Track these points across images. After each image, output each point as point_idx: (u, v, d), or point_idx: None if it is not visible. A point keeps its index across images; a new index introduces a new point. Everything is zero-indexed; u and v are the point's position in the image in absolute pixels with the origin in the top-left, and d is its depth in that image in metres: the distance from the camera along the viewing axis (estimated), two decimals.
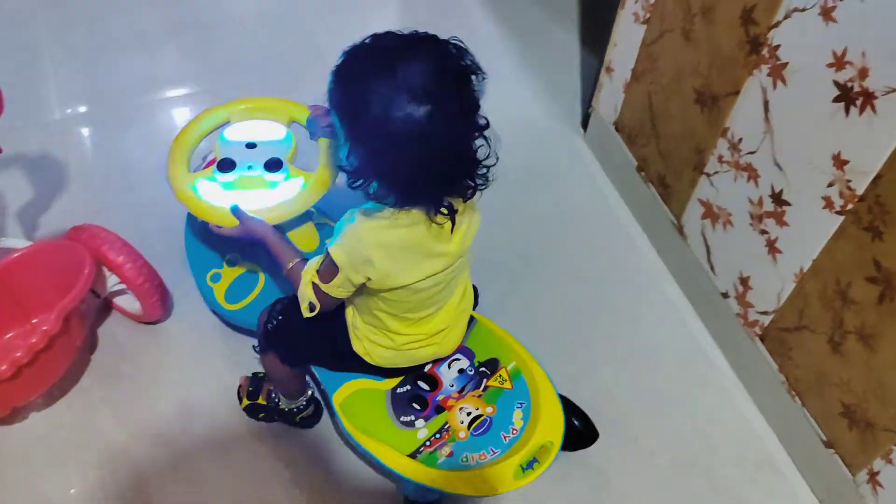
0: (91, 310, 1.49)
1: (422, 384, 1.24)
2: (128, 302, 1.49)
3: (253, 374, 1.42)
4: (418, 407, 1.22)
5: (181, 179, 1.24)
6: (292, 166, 1.27)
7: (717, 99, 1.41)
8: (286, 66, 2.06)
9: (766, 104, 1.29)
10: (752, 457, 1.45)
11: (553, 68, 2.12)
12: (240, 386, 1.43)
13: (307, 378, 1.38)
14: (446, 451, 1.18)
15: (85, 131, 1.90)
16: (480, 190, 1.03)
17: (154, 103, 1.98)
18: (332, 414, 1.35)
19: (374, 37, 0.94)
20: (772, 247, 1.36)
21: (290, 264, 1.14)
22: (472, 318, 1.29)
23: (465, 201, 1.03)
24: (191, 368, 1.49)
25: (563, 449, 1.32)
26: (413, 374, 1.24)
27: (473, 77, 0.95)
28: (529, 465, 1.16)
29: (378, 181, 0.97)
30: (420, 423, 1.21)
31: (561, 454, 1.20)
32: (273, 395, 1.37)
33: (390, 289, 1.06)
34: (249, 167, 1.26)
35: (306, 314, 1.11)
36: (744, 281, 1.46)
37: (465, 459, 1.17)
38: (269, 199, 1.23)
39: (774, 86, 1.26)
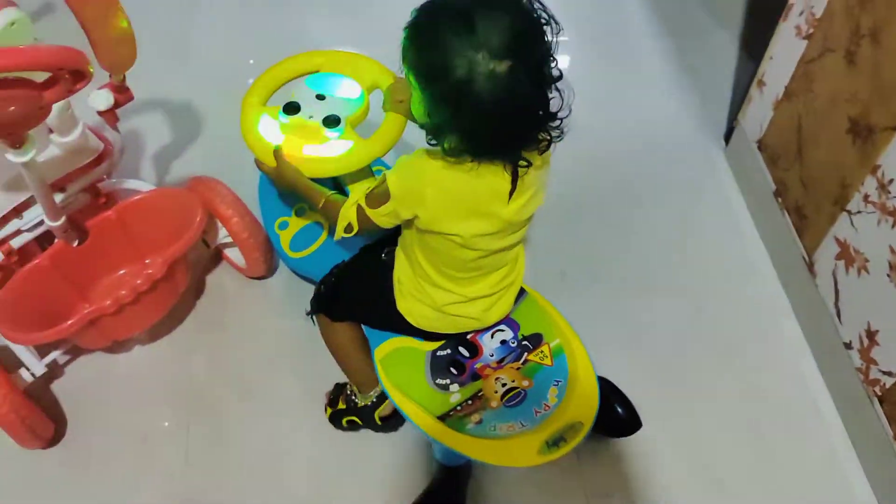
0: (200, 258, 1.56)
1: (462, 350, 1.23)
2: (236, 255, 1.54)
3: (335, 384, 1.44)
4: (455, 371, 1.21)
5: (249, 108, 1.27)
6: (349, 128, 1.25)
7: (872, 132, 1.27)
8: None
9: None
10: None
11: (706, 73, 1.99)
12: (328, 393, 1.44)
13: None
14: (476, 417, 1.17)
15: (225, 84, 1.96)
16: (555, 142, 1.00)
17: None
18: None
19: None
20: None
21: (322, 199, 1.17)
22: (522, 291, 1.27)
23: (540, 154, 1.02)
24: (285, 327, 1.52)
25: (607, 434, 1.32)
26: (455, 339, 1.23)
27: (548, 29, 0.92)
28: (556, 442, 1.13)
29: (458, 136, 0.96)
30: (454, 387, 1.20)
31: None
32: (350, 395, 1.37)
33: (436, 233, 1.05)
34: (311, 116, 1.26)
35: (339, 235, 1.13)
36: (871, 334, 1.32)
37: (492, 428, 1.15)
38: (313, 151, 1.23)
39: None
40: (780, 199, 1.59)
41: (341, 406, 1.39)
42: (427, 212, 1.03)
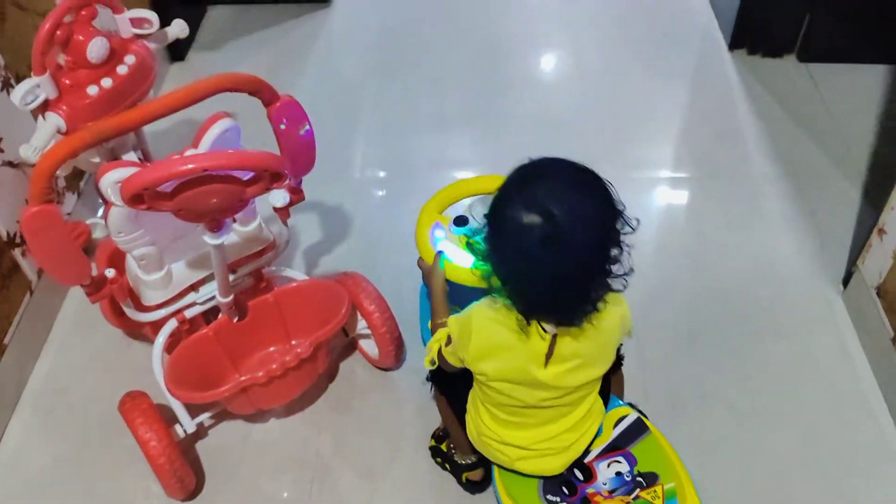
0: (338, 345, 1.72)
1: (577, 473, 1.28)
2: (370, 346, 1.69)
3: None
4: (567, 492, 1.26)
5: (426, 213, 1.42)
6: None
7: None
8: None
9: None
10: None
11: (825, 218, 2.05)
12: (436, 429, 1.57)
13: None
14: None
15: (377, 193, 2.19)
16: (587, 314, 1.06)
17: (439, 179, 2.21)
18: (491, 472, 1.42)
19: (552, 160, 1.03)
20: None
21: (438, 320, 1.26)
22: (645, 427, 1.31)
23: (569, 325, 1.08)
24: (407, 417, 1.64)
25: None
26: (573, 462, 1.28)
27: (614, 222, 1.00)
28: None
29: (509, 290, 1.06)
30: None
31: None
32: (452, 447, 1.49)
33: (479, 372, 1.15)
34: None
35: (427, 366, 1.25)
36: None
37: None
38: (464, 262, 1.33)
39: None
40: None
41: (443, 448, 1.52)
42: (468, 355, 1.14)
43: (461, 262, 1.32)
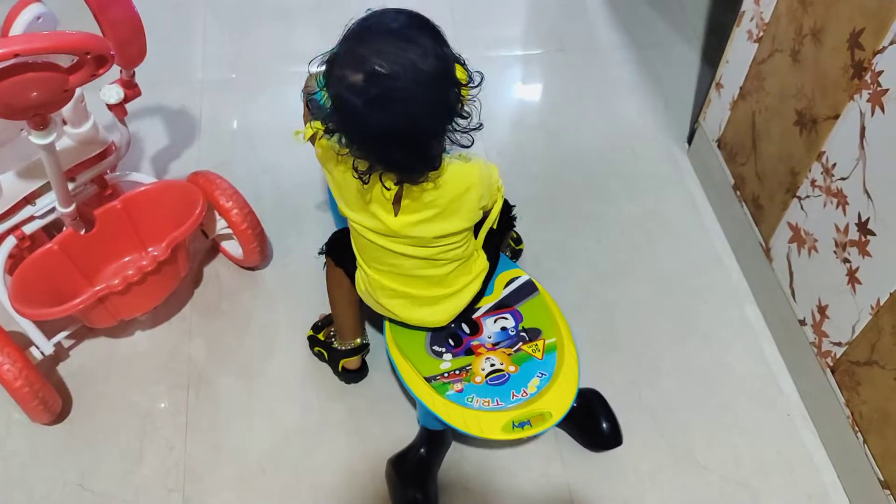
0: (200, 249, 1.66)
1: (465, 326, 1.35)
2: (232, 247, 1.64)
3: (329, 314, 1.54)
4: (452, 343, 1.33)
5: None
6: None
7: (816, 122, 1.40)
8: None
9: (862, 130, 1.28)
10: (805, 488, 1.43)
11: (669, 81, 2.13)
12: (316, 321, 1.56)
13: (364, 330, 1.49)
14: (458, 386, 1.27)
15: (220, 92, 2.07)
16: (426, 171, 1.07)
17: (287, 75, 2.13)
18: (365, 364, 1.51)
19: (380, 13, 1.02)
20: (852, 277, 1.34)
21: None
22: (534, 287, 1.39)
23: (410, 183, 1.09)
24: (279, 314, 1.61)
25: (587, 446, 1.44)
26: (462, 315, 1.33)
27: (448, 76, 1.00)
28: (521, 424, 1.23)
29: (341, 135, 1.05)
30: (448, 356, 1.31)
31: (613, 458, 1.29)
32: (332, 333, 1.49)
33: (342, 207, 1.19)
34: None
35: (294, 137, 1.17)
36: (822, 310, 1.44)
37: (469, 399, 1.26)
38: None
39: (872, 112, 1.25)
40: (738, 193, 1.71)
41: (320, 336, 1.52)
42: (333, 186, 1.17)
43: None
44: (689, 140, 1.94)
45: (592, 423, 1.42)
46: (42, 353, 1.41)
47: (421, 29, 1.00)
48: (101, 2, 1.19)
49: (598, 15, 2.32)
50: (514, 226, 1.44)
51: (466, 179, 1.13)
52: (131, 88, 1.36)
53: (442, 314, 1.29)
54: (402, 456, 1.38)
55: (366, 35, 0.99)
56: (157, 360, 1.54)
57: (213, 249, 1.70)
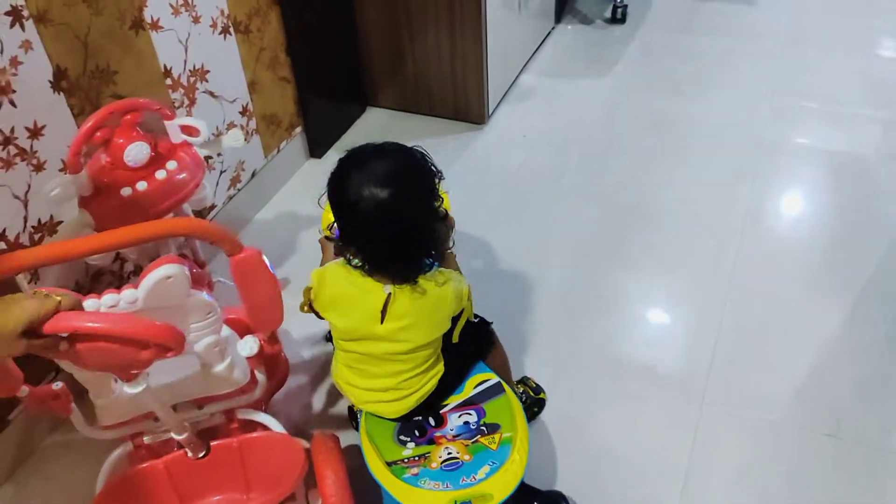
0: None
1: (431, 420, 1.48)
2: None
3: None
4: (418, 434, 1.46)
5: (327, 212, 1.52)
6: None
7: None
8: None
9: None
10: None
11: None
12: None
13: None
14: (414, 470, 1.38)
15: None
16: (416, 272, 1.36)
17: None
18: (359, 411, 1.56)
19: (355, 149, 1.36)
20: None
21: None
22: (501, 389, 1.50)
23: (403, 282, 1.35)
24: None
25: None
26: (430, 411, 1.48)
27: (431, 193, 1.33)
28: (464, 503, 1.31)
29: (354, 249, 1.36)
30: (411, 445, 1.44)
31: None
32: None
33: (330, 322, 1.43)
34: None
35: (301, 310, 1.48)
36: None
37: (422, 482, 1.36)
38: None
39: None
40: None
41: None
42: (322, 300, 1.41)
43: None
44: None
45: None
46: None
47: (410, 166, 1.36)
48: (244, 275, 1.28)
49: None
50: (495, 341, 1.65)
51: (446, 292, 1.39)
52: (271, 345, 1.42)
53: (395, 408, 1.46)
54: None
55: (370, 163, 1.34)
56: None
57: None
